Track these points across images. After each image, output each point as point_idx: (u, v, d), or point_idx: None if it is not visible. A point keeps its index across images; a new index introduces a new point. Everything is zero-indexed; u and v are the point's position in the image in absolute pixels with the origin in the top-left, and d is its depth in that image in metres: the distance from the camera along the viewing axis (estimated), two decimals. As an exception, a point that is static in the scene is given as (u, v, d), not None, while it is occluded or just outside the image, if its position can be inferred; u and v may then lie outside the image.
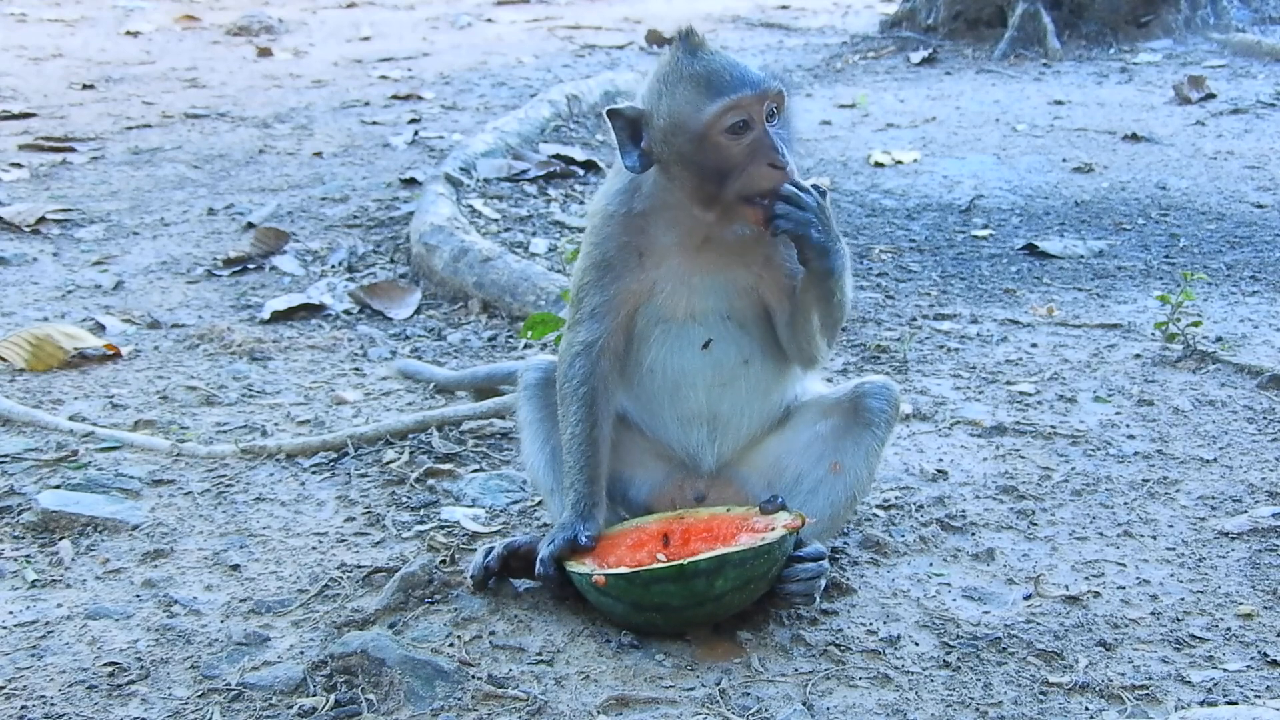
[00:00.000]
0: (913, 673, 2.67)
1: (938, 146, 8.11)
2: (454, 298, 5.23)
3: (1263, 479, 3.58)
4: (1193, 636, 2.80)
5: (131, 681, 2.63)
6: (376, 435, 3.85)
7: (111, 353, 4.58)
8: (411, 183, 6.94)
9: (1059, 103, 9.32)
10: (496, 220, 6.18)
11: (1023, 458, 3.74)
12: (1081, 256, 5.85)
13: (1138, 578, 3.06)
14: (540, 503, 3.38)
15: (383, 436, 3.85)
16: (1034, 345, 4.69)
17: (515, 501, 3.49)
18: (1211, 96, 9.16)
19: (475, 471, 3.67)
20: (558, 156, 7.27)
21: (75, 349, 4.53)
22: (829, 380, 3.49)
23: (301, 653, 2.73)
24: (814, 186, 2.79)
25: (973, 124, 8.75)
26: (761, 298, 2.93)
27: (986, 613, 2.91)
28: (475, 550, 3.08)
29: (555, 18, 14.54)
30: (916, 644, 2.78)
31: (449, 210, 5.83)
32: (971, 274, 5.62)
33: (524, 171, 7.00)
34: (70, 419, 3.99)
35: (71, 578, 3.07)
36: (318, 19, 14.56)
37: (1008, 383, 4.32)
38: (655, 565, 2.74)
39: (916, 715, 2.52)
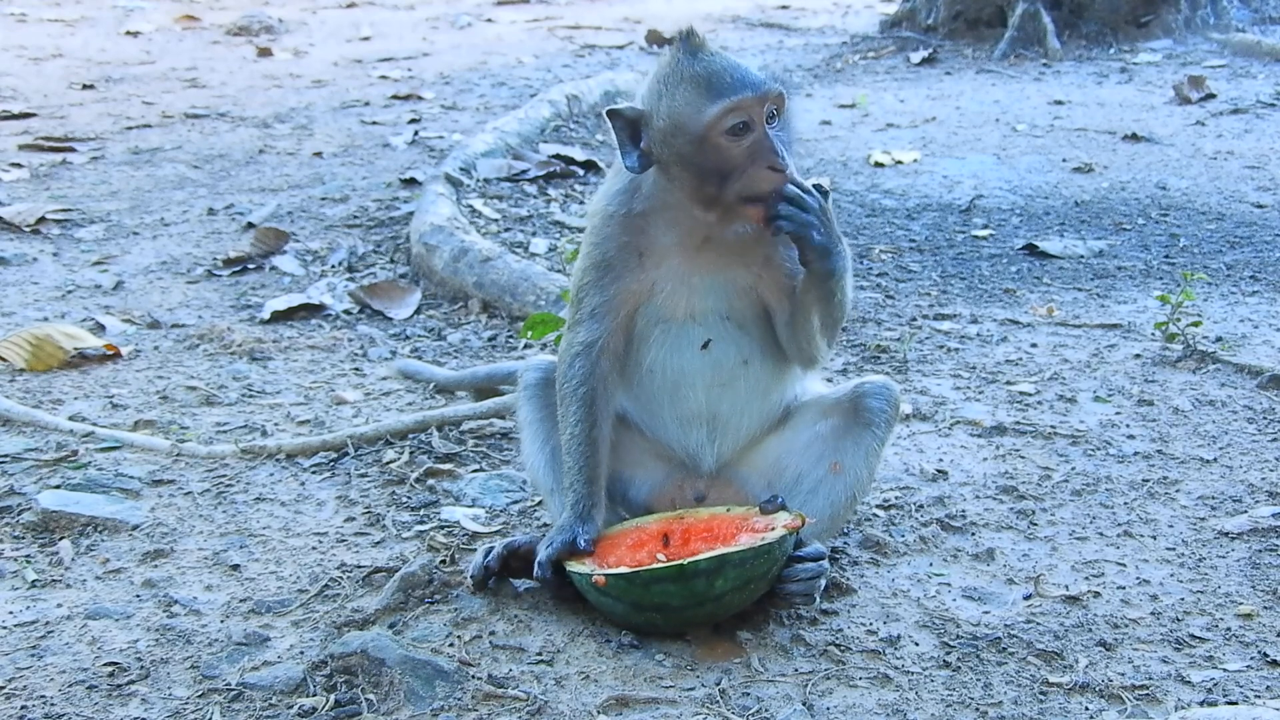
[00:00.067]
0: (913, 673, 2.67)
1: (938, 146, 8.11)
2: (454, 298, 5.23)
3: (1263, 479, 3.58)
4: (1193, 636, 2.80)
5: (131, 681, 2.63)
6: (376, 435, 3.85)
7: (111, 353, 4.58)
8: (411, 183, 6.94)
9: (1059, 103, 9.32)
10: (496, 220, 6.18)
11: (1023, 458, 3.74)
12: (1081, 256, 5.85)
13: (1138, 578, 3.06)
14: (540, 503, 3.38)
15: (383, 436, 3.85)
16: (1034, 345, 4.69)
17: (515, 501, 3.49)
18: (1211, 96, 9.16)
19: (475, 471, 3.67)
20: (558, 156, 7.27)
21: (75, 349, 4.53)
22: (829, 380, 3.49)
23: (301, 653, 2.73)
24: (815, 187, 2.79)
25: (973, 124, 8.75)
26: (761, 298, 2.93)
27: (986, 613, 2.91)
28: (475, 550, 3.08)
29: (555, 18, 14.54)
30: (916, 644, 2.78)
31: (449, 210, 5.83)
32: (971, 274, 5.62)
33: (524, 171, 7.00)
34: (70, 419, 3.99)
35: (71, 578, 3.07)
36: (318, 19, 14.56)
37: (1008, 383, 4.32)
38: (655, 565, 2.74)
39: (916, 715, 2.52)
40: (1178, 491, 3.52)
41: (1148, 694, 2.58)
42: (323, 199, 6.77)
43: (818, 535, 2.93)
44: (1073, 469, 3.67)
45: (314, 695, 2.56)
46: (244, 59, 11.74)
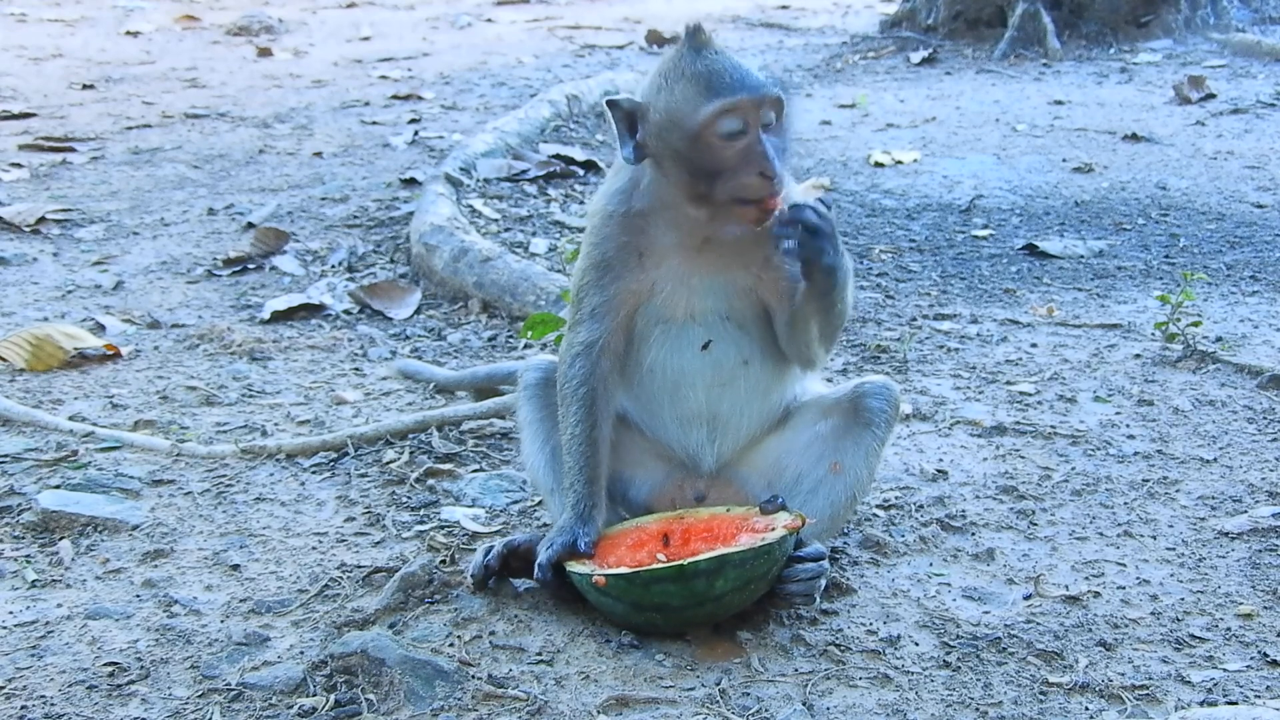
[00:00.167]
0: (913, 673, 2.67)
1: (938, 146, 8.11)
2: (454, 298, 5.23)
3: (1263, 479, 3.58)
4: (1193, 636, 2.80)
5: (131, 681, 2.63)
6: (376, 435, 3.85)
7: (111, 353, 4.58)
8: (411, 183, 6.94)
9: (1059, 103, 9.32)
10: (496, 220, 6.18)
11: (1023, 458, 3.74)
12: (1081, 256, 5.85)
13: (1138, 578, 3.06)
14: (540, 503, 3.38)
15: (383, 436, 3.85)
16: (1034, 345, 4.69)
17: (515, 501, 3.49)
18: (1211, 96, 9.16)
19: (475, 471, 3.67)
20: (558, 156, 7.27)
21: (75, 349, 4.53)
22: (829, 380, 3.49)
23: (301, 653, 2.73)
24: (819, 201, 2.77)
25: (973, 124, 8.76)
26: (761, 298, 2.93)
27: (986, 613, 2.91)
28: (475, 550, 3.08)
29: (555, 18, 14.54)
30: (916, 644, 2.78)
31: (449, 210, 5.83)
32: (971, 274, 5.62)
33: (524, 171, 7.00)
34: (70, 419, 3.99)
35: (71, 578, 3.07)
36: (318, 19, 14.56)
37: (1008, 383, 4.32)
38: (655, 565, 2.74)
39: (916, 715, 2.52)
40: (1178, 491, 3.52)
41: (1148, 694, 2.58)
42: (323, 199, 6.77)
43: (818, 535, 2.93)
44: (1073, 469, 3.67)
45: (314, 695, 2.56)
46: (244, 59, 11.74)
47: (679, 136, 2.74)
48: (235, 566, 3.13)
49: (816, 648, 2.75)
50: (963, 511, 3.40)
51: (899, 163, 7.69)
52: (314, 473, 3.67)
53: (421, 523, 3.36)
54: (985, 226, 6.37)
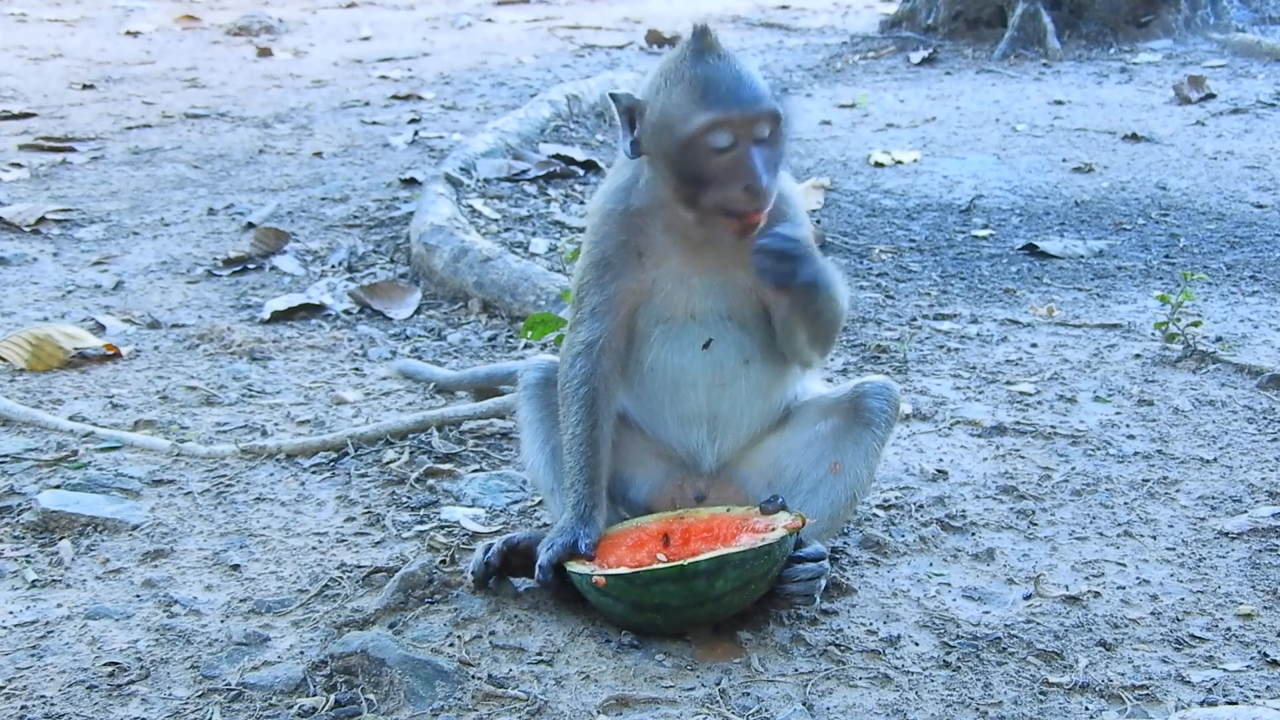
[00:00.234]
0: (913, 673, 2.67)
1: (938, 146, 8.11)
2: (454, 298, 5.23)
3: (1263, 479, 3.58)
4: (1193, 636, 2.80)
5: (131, 681, 2.63)
6: (376, 435, 3.85)
7: (111, 353, 4.58)
8: (411, 183, 6.94)
9: (1059, 103, 9.32)
10: (496, 220, 6.18)
11: (1023, 458, 3.74)
12: (1081, 256, 5.85)
13: (1138, 578, 3.06)
14: (540, 503, 3.38)
15: (383, 436, 3.85)
16: (1034, 345, 4.69)
17: (515, 501, 3.49)
18: (1211, 96, 9.16)
19: (475, 471, 3.67)
20: (558, 156, 7.27)
21: (75, 349, 4.53)
22: (829, 380, 3.49)
23: (301, 653, 2.73)
24: (788, 226, 2.74)
25: (973, 124, 8.76)
26: (761, 298, 2.93)
27: (986, 613, 2.91)
28: (475, 550, 3.08)
29: (555, 18, 14.54)
30: (916, 644, 2.78)
31: (449, 210, 5.83)
32: (971, 274, 5.62)
33: (524, 171, 7.00)
34: (70, 419, 3.99)
35: (71, 578, 3.07)
36: (318, 19, 14.56)
37: (1008, 383, 4.32)
38: (655, 566, 2.74)
39: (916, 715, 2.52)
40: (1178, 491, 3.52)
41: (1148, 694, 2.58)
42: (323, 199, 6.77)
43: (818, 535, 2.93)
44: (1073, 469, 3.67)
45: (314, 695, 2.56)
46: (244, 59, 11.74)
47: (671, 141, 2.74)
48: (235, 566, 3.13)
49: (816, 648, 2.75)
50: (963, 511, 3.40)
51: (899, 163, 7.69)
52: (314, 473, 3.67)
53: (421, 523, 3.36)
54: (985, 226, 6.37)
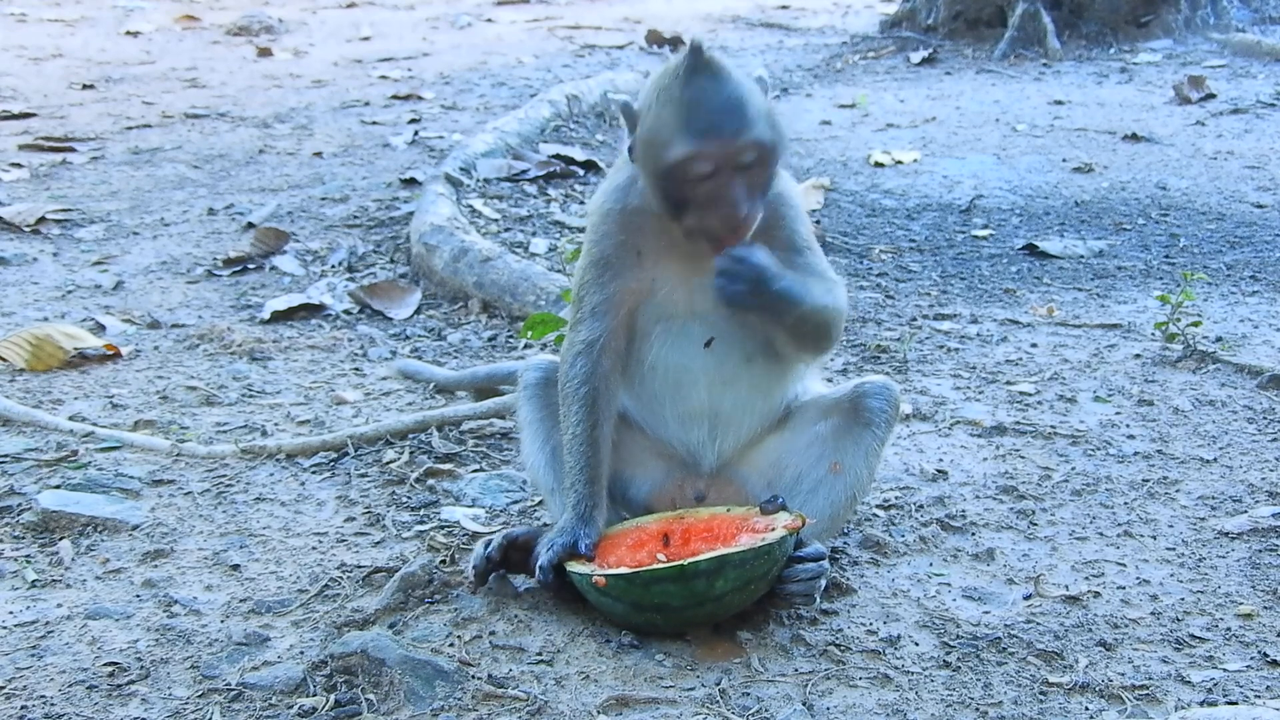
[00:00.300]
0: (913, 673, 2.67)
1: (938, 146, 8.11)
2: (454, 298, 5.23)
3: (1263, 479, 3.58)
4: (1193, 636, 2.80)
5: (131, 681, 2.63)
6: (376, 435, 3.85)
7: (111, 353, 4.58)
8: (411, 183, 6.94)
9: (1059, 103, 9.32)
10: (496, 220, 6.18)
11: (1023, 458, 3.74)
12: (1081, 256, 5.85)
13: (1138, 578, 3.06)
14: (540, 503, 3.38)
15: (383, 436, 3.85)
16: (1034, 345, 4.69)
17: (515, 501, 3.49)
18: (1211, 96, 9.16)
19: (475, 471, 3.67)
20: (558, 156, 7.27)
21: (75, 349, 4.53)
22: (829, 380, 3.49)
23: (301, 653, 2.73)
24: (746, 251, 2.71)
25: (973, 124, 8.76)
26: None
27: (986, 613, 2.91)
28: (475, 547, 3.08)
29: (555, 18, 14.54)
30: (916, 644, 2.78)
31: (449, 210, 5.83)
32: (971, 274, 5.62)
33: (524, 171, 7.00)
34: (70, 419, 3.99)
35: (71, 578, 3.07)
36: (318, 19, 14.56)
37: (1008, 383, 4.32)
38: (655, 566, 2.74)
39: (916, 715, 2.52)
40: (1178, 491, 3.52)
41: (1148, 694, 2.58)
42: (323, 199, 6.77)
43: (818, 535, 2.93)
44: (1073, 469, 3.67)
45: (314, 695, 2.56)
46: (244, 59, 11.74)
47: (655, 163, 2.73)
48: (235, 566, 3.13)
49: (816, 648, 2.75)
50: (963, 511, 3.40)
51: (899, 163, 7.69)
52: (314, 473, 3.67)
53: (421, 523, 3.36)
54: (985, 226, 6.37)
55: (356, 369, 4.54)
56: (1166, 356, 4.52)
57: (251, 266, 5.68)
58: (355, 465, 3.71)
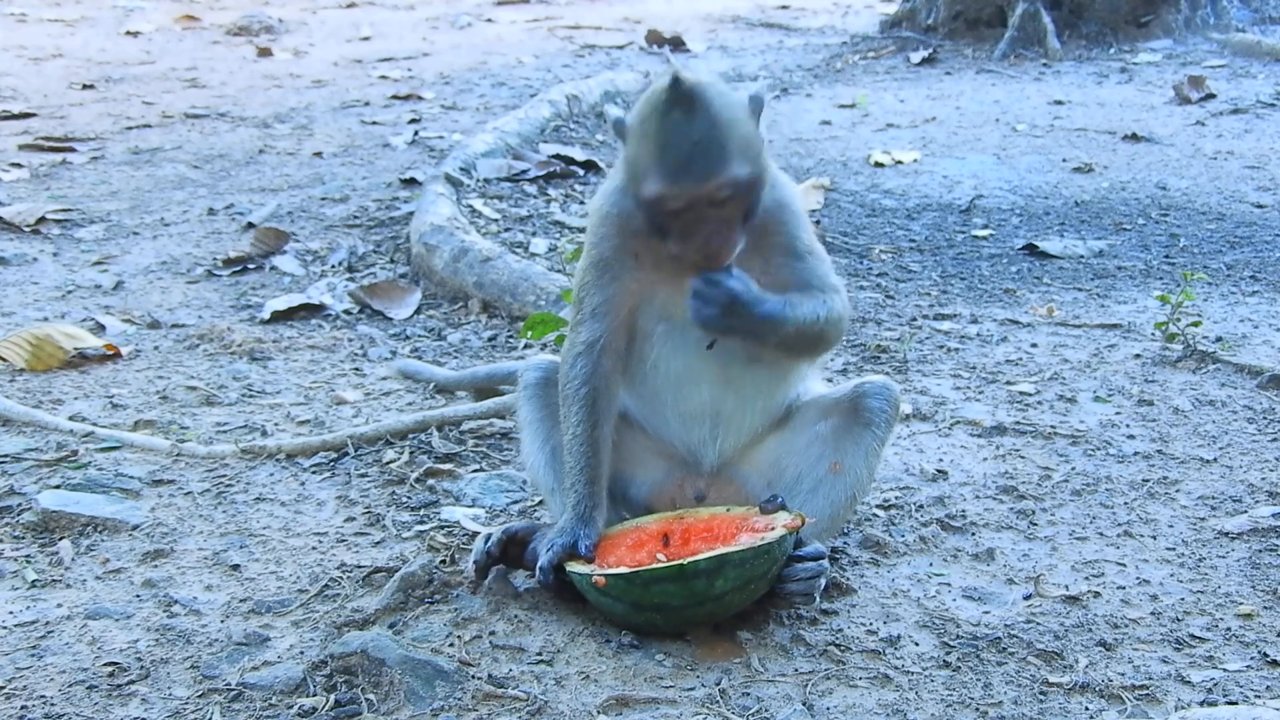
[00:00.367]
0: (913, 673, 2.67)
1: (938, 146, 8.11)
2: (454, 298, 5.23)
3: (1263, 479, 3.58)
4: (1193, 636, 2.80)
5: (131, 681, 2.63)
6: (376, 435, 3.85)
7: (111, 353, 4.58)
8: (411, 183, 6.94)
9: (1059, 103, 9.32)
10: (496, 220, 6.18)
11: (1023, 458, 3.74)
12: (1081, 256, 5.85)
13: (1138, 578, 3.06)
14: (540, 502, 3.38)
15: (383, 436, 3.85)
16: (1034, 345, 4.69)
17: (515, 501, 3.49)
18: (1211, 96, 9.16)
19: (475, 471, 3.67)
20: (558, 156, 7.27)
21: (75, 349, 4.53)
22: (829, 380, 3.49)
23: (301, 653, 2.73)
24: (723, 276, 2.71)
25: (973, 124, 8.76)
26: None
27: (986, 613, 2.91)
28: (474, 544, 3.08)
29: (555, 18, 14.54)
30: (916, 644, 2.78)
31: (449, 210, 5.83)
32: (971, 274, 5.62)
33: (524, 171, 7.00)
34: (70, 419, 3.99)
35: (71, 578, 3.07)
36: (318, 19, 14.56)
37: (1008, 383, 4.32)
38: (655, 565, 2.74)
39: (916, 715, 2.52)
40: (1178, 491, 3.52)
41: (1148, 694, 2.58)
42: (323, 199, 6.77)
43: (818, 535, 2.93)
44: (1073, 469, 3.67)
45: (314, 695, 2.57)
46: (244, 59, 11.74)
47: (634, 189, 2.75)
48: (235, 566, 3.13)
49: (816, 648, 2.75)
50: (963, 511, 3.40)
51: (899, 163, 7.69)
52: (314, 473, 3.67)
53: (421, 523, 3.36)
54: (985, 226, 6.37)
55: (356, 369, 4.54)
56: (1166, 356, 4.52)
57: (251, 266, 5.68)
58: (355, 465, 3.71)
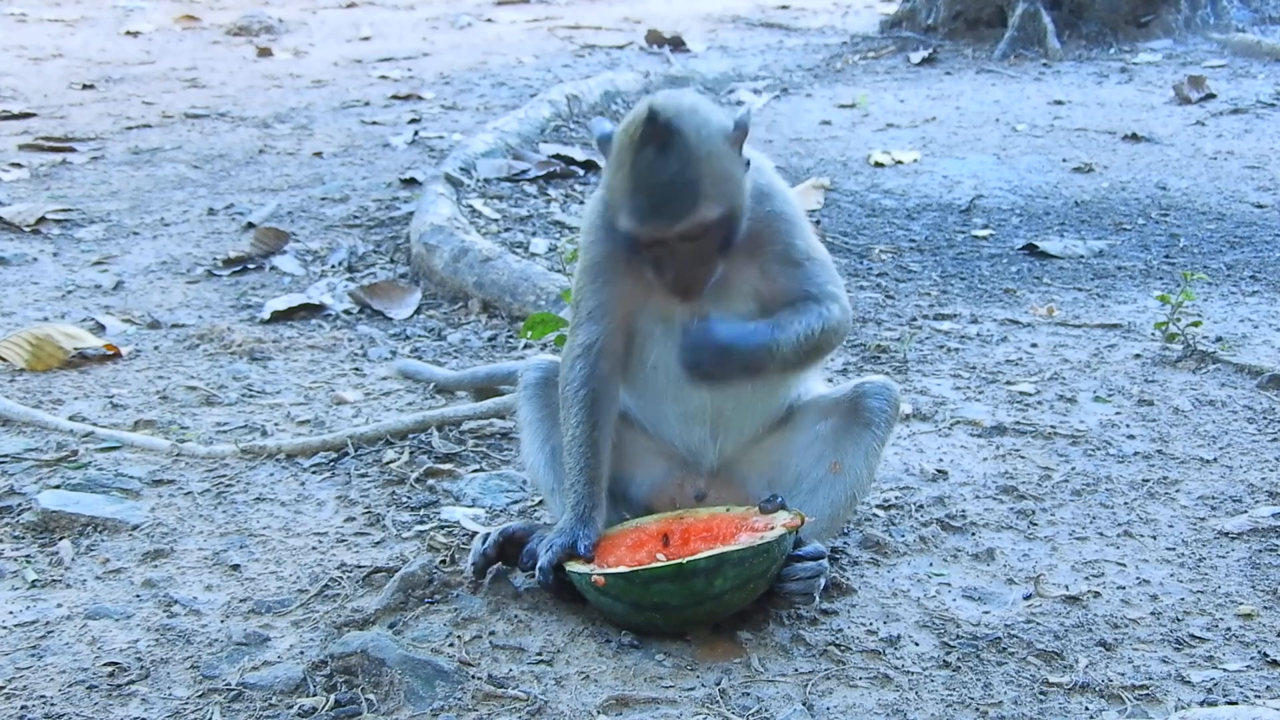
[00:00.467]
0: (913, 673, 2.67)
1: (938, 146, 8.11)
2: (454, 298, 5.23)
3: (1263, 479, 3.58)
4: (1193, 636, 2.80)
5: (131, 681, 2.63)
6: (376, 435, 3.85)
7: (111, 353, 4.58)
8: (411, 183, 6.94)
9: (1059, 103, 9.32)
10: (496, 220, 6.18)
11: (1023, 458, 3.74)
12: (1081, 256, 5.85)
13: (1138, 578, 3.06)
14: (540, 502, 3.39)
15: (383, 436, 3.85)
16: (1034, 345, 4.69)
17: (515, 501, 3.49)
18: (1211, 96, 9.16)
19: (475, 471, 3.67)
20: (558, 156, 7.27)
21: (75, 349, 4.53)
22: (829, 380, 3.49)
23: (301, 653, 2.73)
24: (714, 323, 2.73)
25: (973, 124, 8.76)
26: (760, 302, 2.91)
27: (986, 613, 2.91)
28: (472, 543, 3.08)
29: (555, 18, 14.54)
30: (916, 644, 2.78)
31: (449, 210, 5.83)
32: (971, 274, 5.62)
33: (524, 171, 7.00)
34: (70, 419, 3.99)
35: (71, 578, 3.07)
36: (318, 19, 14.56)
37: (1008, 383, 4.32)
38: (654, 564, 2.74)
39: (916, 715, 2.52)
40: (1178, 491, 3.52)
41: (1148, 694, 2.58)
42: (323, 199, 6.77)
43: (817, 535, 2.93)
44: (1073, 469, 3.67)
45: (314, 695, 2.57)
46: (244, 59, 11.74)
47: (610, 217, 2.76)
48: (235, 566, 3.13)
49: (816, 648, 2.75)
50: (963, 511, 3.40)
51: (899, 163, 7.68)
52: (314, 473, 3.67)
53: (421, 523, 3.36)
54: (985, 226, 6.37)
55: (356, 369, 4.54)
56: (1166, 356, 4.52)
57: (251, 266, 5.68)
58: (355, 465, 3.71)
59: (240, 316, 5.06)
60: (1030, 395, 4.21)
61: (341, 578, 3.06)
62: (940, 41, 11.74)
